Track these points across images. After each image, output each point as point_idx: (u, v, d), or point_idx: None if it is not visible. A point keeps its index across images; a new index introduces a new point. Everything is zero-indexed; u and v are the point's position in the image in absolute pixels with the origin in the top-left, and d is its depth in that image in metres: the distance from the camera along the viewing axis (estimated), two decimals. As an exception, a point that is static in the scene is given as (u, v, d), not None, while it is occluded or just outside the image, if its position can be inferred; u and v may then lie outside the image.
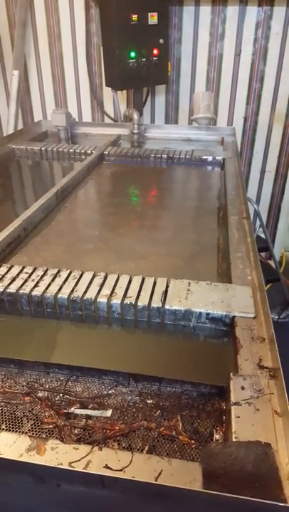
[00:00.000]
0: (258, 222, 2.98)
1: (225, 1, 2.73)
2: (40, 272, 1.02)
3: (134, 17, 2.41)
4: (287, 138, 3.08)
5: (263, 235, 3.00)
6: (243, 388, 0.69)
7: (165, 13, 2.55)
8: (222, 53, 2.88)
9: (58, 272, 1.02)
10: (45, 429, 0.70)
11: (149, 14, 2.46)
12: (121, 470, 0.56)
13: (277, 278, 3.02)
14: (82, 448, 0.59)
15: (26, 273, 1.01)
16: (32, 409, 0.73)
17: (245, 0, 2.69)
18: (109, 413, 0.72)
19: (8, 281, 0.98)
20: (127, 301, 0.93)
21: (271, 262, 3.10)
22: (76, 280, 0.99)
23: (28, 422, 0.71)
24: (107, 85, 2.80)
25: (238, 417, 0.64)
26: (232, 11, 2.75)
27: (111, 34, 2.48)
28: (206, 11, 2.78)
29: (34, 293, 0.95)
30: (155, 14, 2.47)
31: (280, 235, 3.50)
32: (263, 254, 3.37)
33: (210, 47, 2.87)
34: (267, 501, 0.52)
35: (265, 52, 2.83)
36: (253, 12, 2.73)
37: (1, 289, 0.96)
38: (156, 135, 2.53)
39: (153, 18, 2.48)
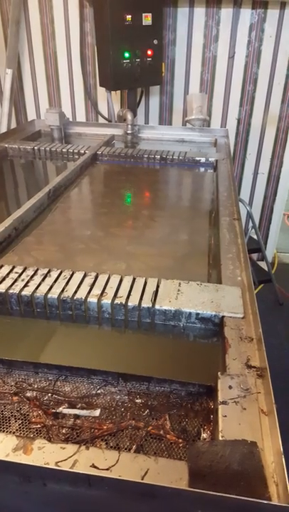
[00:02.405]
0: (250, 224, 3.00)
1: (219, 3, 2.74)
2: (30, 272, 1.02)
3: (128, 17, 2.42)
4: (280, 140, 3.10)
5: (255, 237, 3.02)
6: (230, 387, 0.70)
7: (159, 14, 2.56)
8: (216, 55, 2.89)
9: (49, 271, 1.02)
10: (33, 428, 0.70)
11: (143, 15, 2.46)
12: (107, 469, 0.56)
13: (269, 279, 3.04)
14: (69, 447, 0.59)
15: (16, 273, 1.01)
16: (20, 409, 0.73)
17: (239, 2, 2.70)
18: (97, 413, 0.72)
19: (-2, 281, 0.98)
20: (117, 301, 0.93)
21: (264, 263, 3.12)
22: (66, 280, 0.99)
23: (16, 421, 0.71)
24: (101, 85, 2.80)
25: (225, 416, 0.65)
26: (226, 13, 2.76)
27: (105, 34, 2.48)
28: (200, 12, 2.79)
29: (24, 293, 0.95)
30: (149, 15, 2.48)
31: (272, 236, 3.52)
32: (255, 255, 3.39)
33: (204, 48, 2.89)
34: (252, 499, 0.52)
35: (259, 54, 2.85)
36: (246, 14, 2.75)
37: (-9, 289, 0.95)
38: (150, 136, 2.53)
39: (147, 19, 2.48)
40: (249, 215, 2.96)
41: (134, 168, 2.01)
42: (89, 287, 0.96)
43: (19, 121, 3.35)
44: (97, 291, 0.95)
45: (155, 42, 2.58)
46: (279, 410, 0.64)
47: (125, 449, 0.66)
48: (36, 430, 0.69)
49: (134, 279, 1.00)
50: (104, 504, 0.59)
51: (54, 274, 1.01)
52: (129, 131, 2.50)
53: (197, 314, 0.90)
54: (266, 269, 3.10)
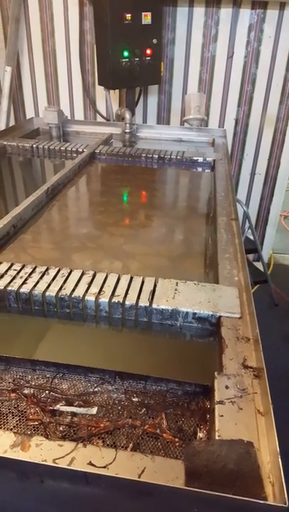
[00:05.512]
0: (247, 224, 3.00)
1: (218, 3, 2.74)
2: (28, 270, 1.02)
3: (128, 16, 2.41)
4: (278, 141, 3.11)
5: (251, 237, 3.03)
6: (227, 387, 0.70)
7: (159, 13, 2.56)
8: (215, 55, 2.89)
9: (47, 269, 1.02)
10: (31, 425, 0.70)
11: (143, 14, 2.46)
12: (104, 467, 0.57)
13: (265, 279, 3.05)
14: (67, 445, 0.60)
15: (15, 270, 1.01)
16: (18, 405, 0.74)
17: (239, 2, 2.71)
18: (94, 410, 0.73)
19: (-4, 278, 0.98)
20: (114, 299, 0.93)
21: (260, 264, 3.13)
22: (64, 278, 0.99)
23: (13, 418, 0.71)
24: (99, 84, 2.79)
25: (222, 415, 0.65)
26: (225, 13, 2.76)
27: (104, 33, 2.47)
28: (199, 12, 2.79)
29: (22, 290, 0.95)
30: (149, 14, 2.47)
31: (268, 236, 3.53)
32: (251, 255, 3.40)
33: (203, 48, 2.89)
34: (248, 499, 0.53)
35: (258, 55, 2.85)
36: (246, 15, 2.75)
37: (-11, 286, 0.95)
38: (148, 135, 2.53)
39: (146, 18, 2.48)
40: (246, 216, 2.96)
41: (132, 167, 2.01)
42: (87, 285, 0.96)
43: (18, 119, 3.34)
44: (94, 289, 0.95)
45: (154, 41, 2.58)
46: (275, 411, 0.65)
47: (122, 447, 0.66)
48: (34, 427, 0.70)
49: (131, 278, 1.00)
50: (101, 501, 0.59)
51: (52, 272, 1.01)
52: (127, 130, 2.49)
53: (194, 314, 0.91)
54: (262, 269, 3.11)
